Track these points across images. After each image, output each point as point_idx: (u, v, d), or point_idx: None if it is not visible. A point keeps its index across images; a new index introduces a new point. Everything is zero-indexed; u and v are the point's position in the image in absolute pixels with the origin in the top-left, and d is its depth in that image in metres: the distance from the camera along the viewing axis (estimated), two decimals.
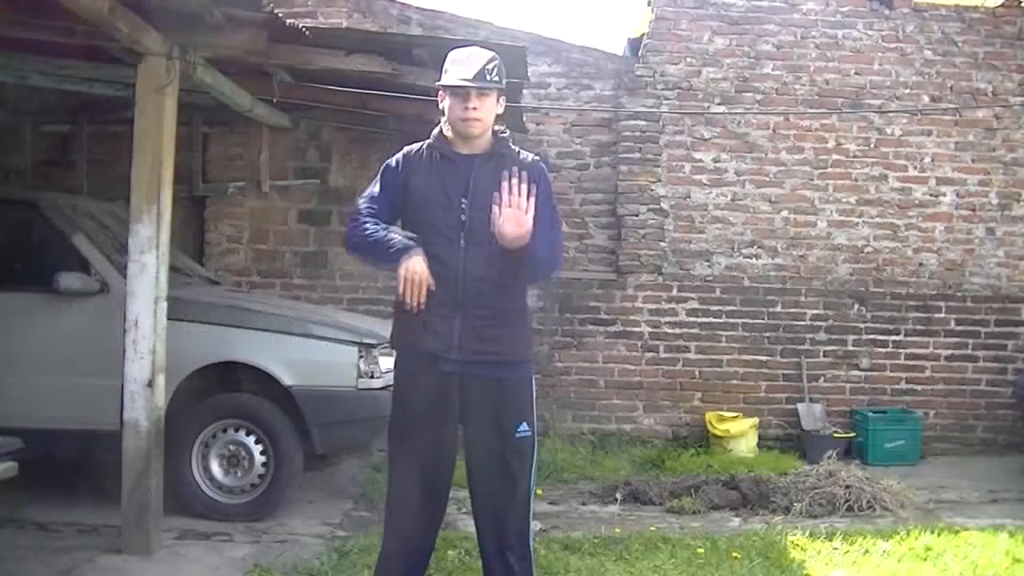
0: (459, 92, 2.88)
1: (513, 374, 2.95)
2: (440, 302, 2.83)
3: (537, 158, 3.07)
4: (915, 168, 7.11)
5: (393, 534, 2.97)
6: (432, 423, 2.90)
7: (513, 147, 3.01)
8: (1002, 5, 7.14)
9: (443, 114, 2.97)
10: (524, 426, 2.94)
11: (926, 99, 7.09)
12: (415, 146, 3.03)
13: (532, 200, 2.76)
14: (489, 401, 2.90)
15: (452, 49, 3.02)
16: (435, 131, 3.01)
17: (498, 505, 2.93)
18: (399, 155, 3.03)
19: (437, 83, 2.99)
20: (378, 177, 3.03)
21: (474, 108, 2.87)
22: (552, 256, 3.00)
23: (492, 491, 2.94)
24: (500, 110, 2.99)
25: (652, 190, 7.03)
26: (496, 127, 3.00)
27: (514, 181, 2.75)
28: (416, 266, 2.76)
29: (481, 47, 3.06)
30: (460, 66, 2.91)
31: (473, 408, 2.91)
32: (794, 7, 7.09)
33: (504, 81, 2.96)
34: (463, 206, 2.87)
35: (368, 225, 2.89)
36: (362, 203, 2.98)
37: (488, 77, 2.88)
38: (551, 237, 2.94)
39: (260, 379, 4.75)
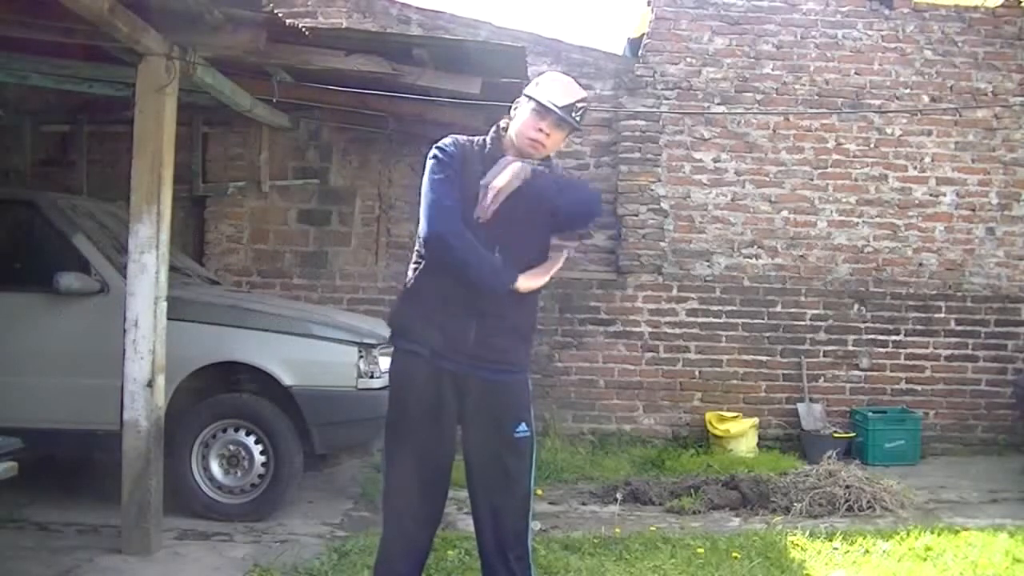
0: (543, 113, 2.87)
1: (512, 377, 2.96)
2: (460, 304, 2.84)
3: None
4: (915, 168, 7.11)
5: (392, 533, 2.97)
6: (431, 422, 2.90)
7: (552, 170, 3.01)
8: (1002, 5, 7.14)
9: (510, 118, 2.95)
10: (523, 426, 2.94)
11: (926, 99, 7.09)
12: (465, 138, 2.99)
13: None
14: (487, 402, 2.90)
15: (552, 72, 3.06)
16: (493, 131, 2.99)
17: (497, 505, 2.93)
18: (450, 144, 2.93)
19: (528, 92, 2.94)
20: (444, 164, 2.89)
21: (547, 135, 2.88)
22: (585, 206, 3.08)
23: (491, 491, 2.94)
24: (561, 146, 3.05)
25: (652, 190, 7.03)
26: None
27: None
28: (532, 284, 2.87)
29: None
30: (558, 90, 2.90)
31: (472, 408, 2.91)
32: (794, 7, 7.09)
33: (581, 125, 3.00)
34: (508, 224, 2.82)
35: (462, 229, 2.81)
36: (448, 202, 2.83)
37: (573, 115, 2.89)
38: (577, 195, 3.02)
39: (260, 379, 4.75)
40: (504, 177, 2.76)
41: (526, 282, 2.85)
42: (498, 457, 2.92)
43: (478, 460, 2.94)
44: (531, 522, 3.04)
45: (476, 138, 2.99)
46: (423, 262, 2.92)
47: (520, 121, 2.91)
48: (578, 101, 2.90)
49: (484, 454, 2.93)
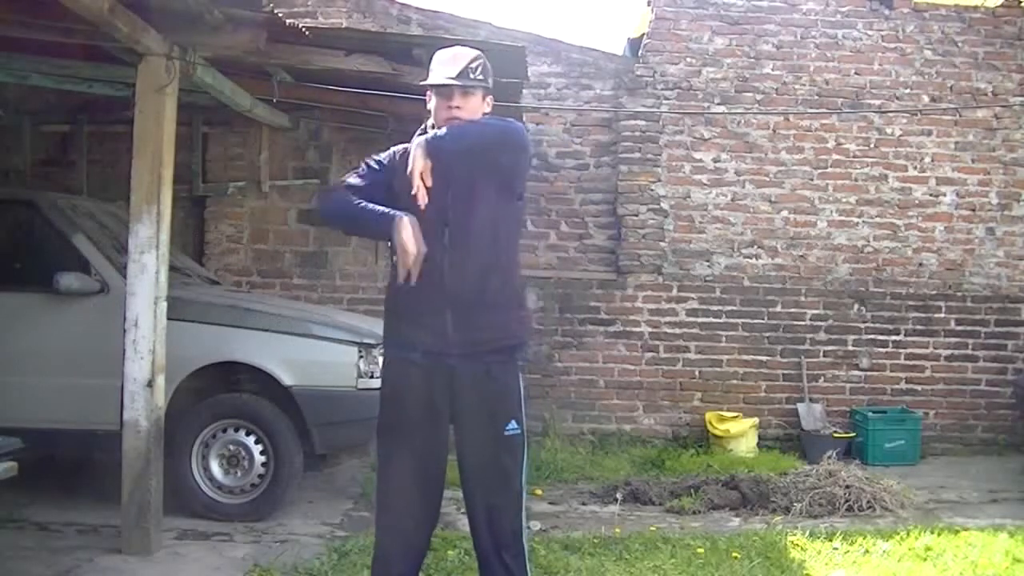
0: (443, 91, 2.90)
1: (505, 366, 2.93)
2: (429, 297, 2.85)
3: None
4: (915, 168, 7.11)
5: (389, 535, 2.98)
6: (425, 422, 2.91)
7: None
8: (1002, 5, 7.14)
9: (430, 114, 2.97)
10: (513, 423, 2.94)
11: (926, 99, 7.09)
12: (400, 147, 3.03)
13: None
14: (478, 400, 2.91)
15: (439, 49, 3.03)
16: (418, 132, 3.01)
17: (491, 504, 2.94)
18: (384, 155, 3.03)
19: (422, 82, 2.99)
20: (360, 169, 3.02)
21: (458, 107, 2.89)
22: (480, 138, 2.91)
23: (485, 490, 2.94)
24: (487, 108, 2.99)
25: (652, 190, 7.03)
26: None
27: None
28: (407, 231, 2.76)
29: (474, 47, 3.07)
30: (445, 65, 2.92)
31: (463, 408, 2.92)
32: (794, 7, 7.09)
33: (490, 80, 2.97)
34: (447, 200, 2.87)
35: (353, 197, 2.91)
36: (345, 182, 2.99)
37: (472, 76, 2.89)
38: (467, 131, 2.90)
39: (260, 379, 4.74)
40: (415, 161, 2.79)
41: (405, 229, 2.77)
42: (492, 457, 2.92)
43: (471, 460, 2.95)
44: (527, 520, 3.04)
45: (407, 144, 2.99)
46: (392, 269, 2.96)
47: (434, 109, 2.93)
48: (470, 63, 2.90)
49: (477, 454, 2.94)
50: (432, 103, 2.95)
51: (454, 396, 2.90)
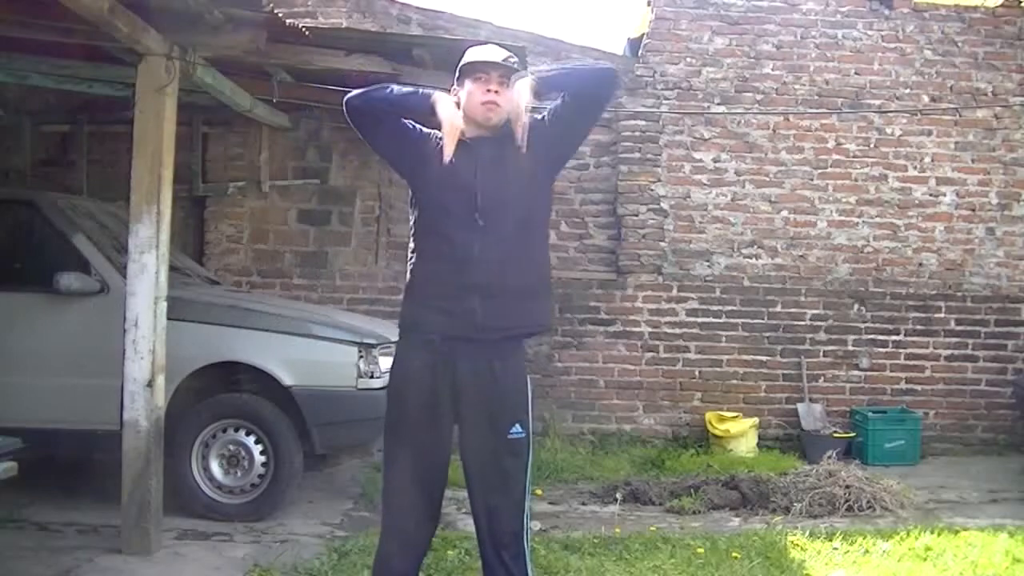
0: (481, 76, 2.87)
1: (507, 361, 2.91)
2: (458, 282, 2.83)
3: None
4: (915, 168, 7.11)
5: (390, 533, 2.98)
6: (429, 422, 2.91)
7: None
8: (1002, 5, 7.14)
9: (458, 107, 2.92)
10: (518, 427, 2.93)
11: (926, 99, 7.09)
12: (431, 130, 3.00)
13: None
14: (481, 400, 2.89)
15: (467, 48, 3.02)
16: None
17: (493, 505, 2.93)
18: (421, 127, 2.99)
19: (463, 64, 2.94)
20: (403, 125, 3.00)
21: (495, 91, 2.86)
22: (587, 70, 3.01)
23: (487, 491, 2.94)
24: (526, 105, 2.91)
25: (652, 190, 7.03)
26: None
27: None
28: (448, 105, 2.84)
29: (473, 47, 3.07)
30: (483, 52, 2.93)
31: (468, 409, 2.91)
32: (794, 7, 7.09)
33: (525, 70, 3.01)
34: (476, 187, 2.85)
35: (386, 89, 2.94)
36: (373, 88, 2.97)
37: (510, 62, 2.90)
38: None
39: (260, 379, 4.74)
40: (521, 95, 2.83)
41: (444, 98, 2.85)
42: (494, 458, 2.91)
43: (474, 461, 2.94)
44: (530, 522, 3.04)
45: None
46: (414, 255, 2.95)
47: (467, 96, 2.90)
48: (507, 56, 2.91)
49: (480, 455, 2.93)
50: (465, 90, 2.90)
51: (457, 395, 2.89)
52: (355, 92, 2.94)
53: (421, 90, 2.92)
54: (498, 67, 2.88)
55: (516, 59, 2.94)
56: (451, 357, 2.86)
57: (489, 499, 2.93)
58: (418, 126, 2.98)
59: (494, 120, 2.88)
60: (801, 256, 7.09)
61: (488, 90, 2.86)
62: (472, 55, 2.94)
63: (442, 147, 2.88)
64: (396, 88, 2.95)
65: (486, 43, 3.09)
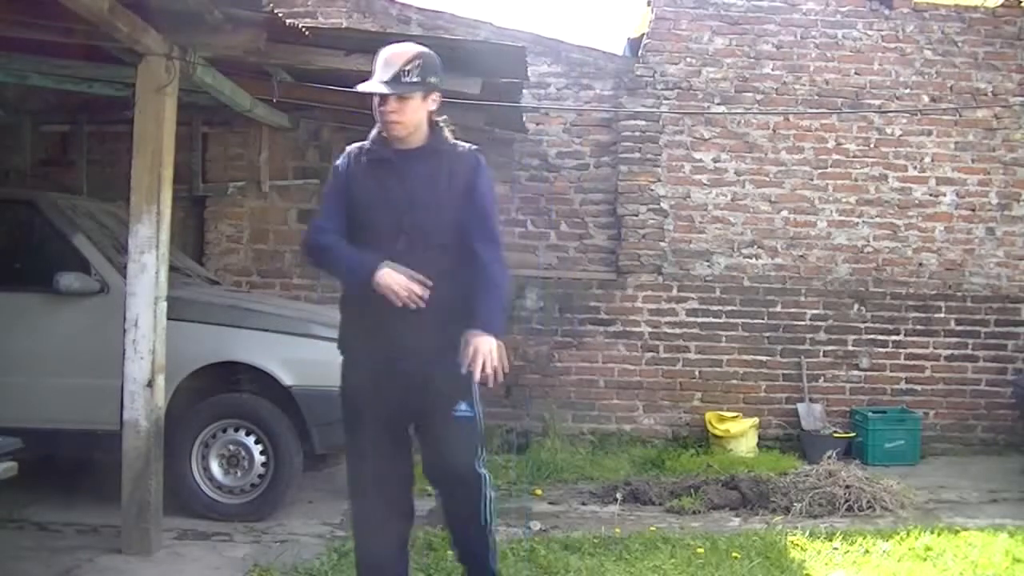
0: (379, 97, 2.89)
1: (447, 370, 2.94)
2: (380, 307, 2.88)
3: (475, 148, 3.04)
4: (915, 168, 7.11)
5: (365, 536, 3.11)
6: (386, 426, 3.01)
7: (449, 140, 3.01)
8: (1002, 5, 7.14)
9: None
10: (464, 406, 2.99)
11: (926, 99, 7.09)
12: (356, 146, 3.04)
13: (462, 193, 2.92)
14: (428, 394, 2.97)
15: (387, 45, 2.99)
16: (372, 131, 3.02)
17: (448, 490, 3.07)
18: (342, 157, 3.06)
19: (359, 86, 2.97)
20: (330, 182, 3.08)
21: (392, 111, 2.87)
22: (503, 274, 3.02)
23: (441, 473, 3.05)
24: (432, 107, 2.96)
25: (652, 190, 7.03)
26: (436, 118, 3.00)
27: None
28: (390, 277, 2.83)
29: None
30: (381, 69, 2.90)
31: (416, 405, 3.00)
32: (794, 7, 7.09)
33: (433, 77, 2.92)
34: (402, 207, 2.89)
35: (325, 242, 2.99)
36: (320, 220, 3.07)
37: (404, 79, 2.85)
38: (493, 245, 2.98)
39: (260, 379, 4.74)
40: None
41: (385, 277, 2.85)
42: (441, 433, 2.99)
43: (426, 441, 3.05)
44: (493, 505, 3.12)
45: (363, 143, 3.03)
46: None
47: (375, 111, 2.93)
48: (405, 64, 2.85)
49: (428, 433, 3.04)
50: (374, 104, 2.93)
51: (405, 394, 2.98)
52: (308, 240, 3.07)
53: (357, 264, 2.92)
54: (385, 93, 2.86)
55: (415, 62, 2.86)
56: (387, 366, 2.96)
57: (445, 483, 3.06)
58: (339, 168, 3.03)
59: (399, 134, 2.91)
60: (801, 256, 7.09)
61: (383, 111, 2.88)
62: (372, 75, 2.90)
63: (367, 164, 2.94)
64: (332, 259, 3.03)
65: (395, 43, 3.03)
